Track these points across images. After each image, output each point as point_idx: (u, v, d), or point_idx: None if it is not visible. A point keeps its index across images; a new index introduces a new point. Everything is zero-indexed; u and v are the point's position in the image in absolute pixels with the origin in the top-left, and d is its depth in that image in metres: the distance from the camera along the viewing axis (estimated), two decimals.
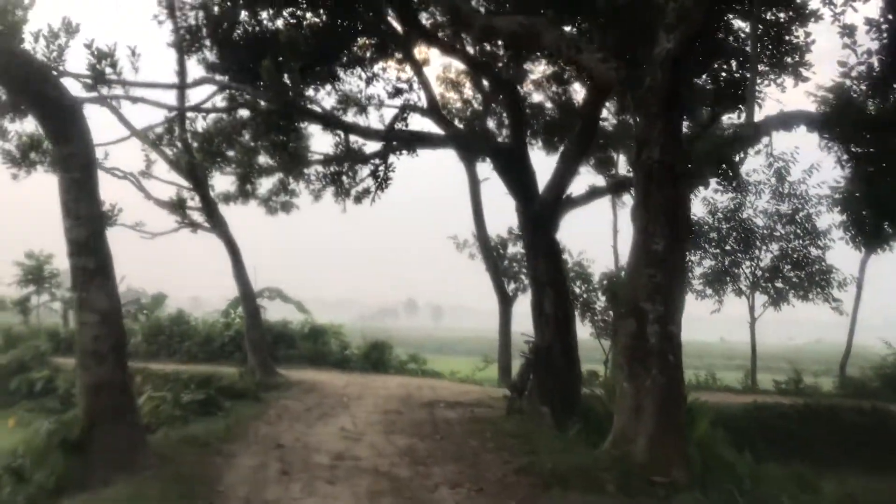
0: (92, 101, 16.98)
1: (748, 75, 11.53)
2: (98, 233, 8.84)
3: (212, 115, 20.18)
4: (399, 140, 17.08)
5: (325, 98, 19.26)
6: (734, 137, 10.47)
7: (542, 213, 14.88)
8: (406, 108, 17.15)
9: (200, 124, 19.93)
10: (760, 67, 12.25)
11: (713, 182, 19.88)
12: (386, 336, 32.73)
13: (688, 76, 10.90)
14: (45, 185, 20.95)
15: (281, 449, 10.46)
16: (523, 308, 26.85)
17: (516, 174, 15.13)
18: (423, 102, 17.80)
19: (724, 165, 14.62)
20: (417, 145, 17.46)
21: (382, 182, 21.18)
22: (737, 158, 14.68)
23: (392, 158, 19.57)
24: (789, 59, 12.76)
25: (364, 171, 20.95)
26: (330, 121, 16.06)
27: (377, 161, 19.80)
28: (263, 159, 23.46)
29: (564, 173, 14.97)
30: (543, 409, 14.31)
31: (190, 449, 9.47)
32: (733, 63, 13.05)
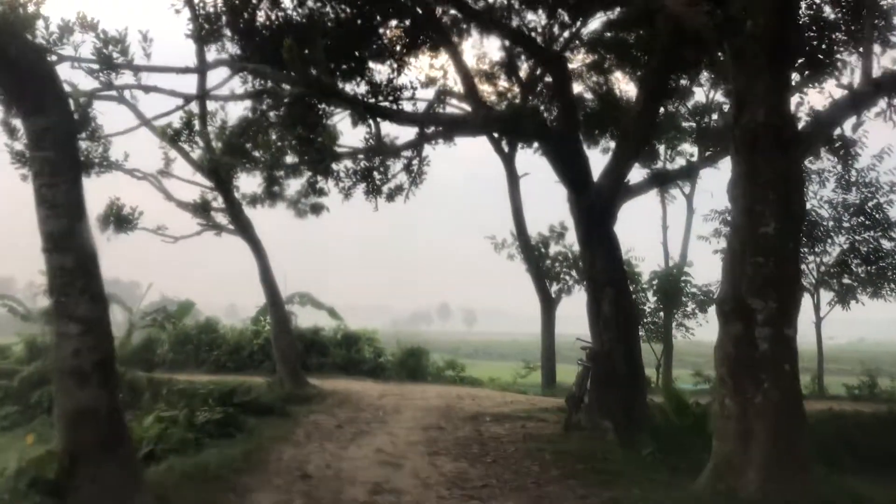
0: (100, 91, 15.48)
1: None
2: (78, 224, 7.14)
3: (235, 114, 18.69)
4: (437, 123, 15.32)
5: (353, 90, 17.68)
6: (851, 97, 8.54)
7: (598, 202, 13.00)
8: (443, 93, 15.37)
9: (221, 117, 18.20)
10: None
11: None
12: (420, 342, 31.10)
13: (796, 19, 9.03)
14: None
15: (307, 480, 8.69)
16: (566, 311, 25.00)
17: (568, 159, 13.25)
18: (460, 88, 16.01)
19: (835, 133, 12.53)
20: (456, 131, 15.69)
21: (416, 177, 19.44)
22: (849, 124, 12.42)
23: (426, 151, 17.90)
24: None
25: (396, 165, 19.24)
26: (360, 104, 14.30)
27: (410, 154, 18.07)
28: (291, 159, 22.06)
29: (623, 158, 13.06)
30: (605, 424, 12.42)
31: (198, 485, 7.73)
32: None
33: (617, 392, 12.82)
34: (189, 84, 17.27)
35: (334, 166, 19.78)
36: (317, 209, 23.08)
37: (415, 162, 18.88)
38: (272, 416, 13.52)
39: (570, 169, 13.33)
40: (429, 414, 15.33)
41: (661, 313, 24.28)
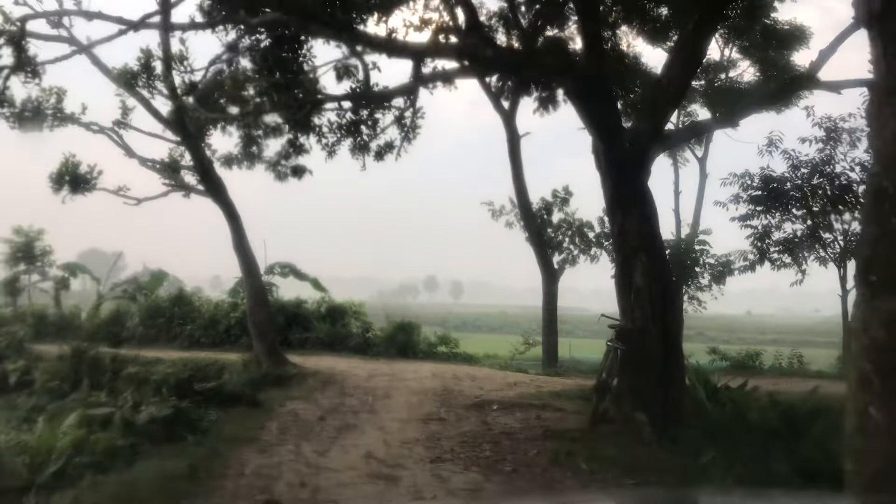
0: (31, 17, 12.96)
1: None
2: None
3: (204, 57, 16.13)
4: (440, 55, 12.84)
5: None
6: None
7: (632, 152, 10.62)
8: (444, 30, 12.91)
9: (187, 59, 15.58)
10: None
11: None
12: (407, 314, 28.81)
13: None
14: (34, 154, 17.01)
15: None
16: (568, 283, 22.72)
17: (596, 101, 10.83)
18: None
19: None
20: (460, 73, 13.24)
21: (409, 131, 17.01)
22: None
23: (420, 102, 15.50)
24: None
25: (386, 118, 16.79)
26: (347, 29, 11.79)
27: (403, 103, 15.63)
28: (270, 117, 19.61)
29: (665, 98, 10.65)
30: (639, 417, 10.15)
31: None
32: None
33: (651, 377, 10.55)
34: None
35: (317, 120, 17.35)
36: (298, 172, 20.67)
37: (408, 114, 16.45)
38: (240, 405, 11.16)
39: (598, 113, 10.91)
40: (425, 399, 13.05)
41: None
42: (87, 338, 23.94)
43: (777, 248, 20.47)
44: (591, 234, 21.54)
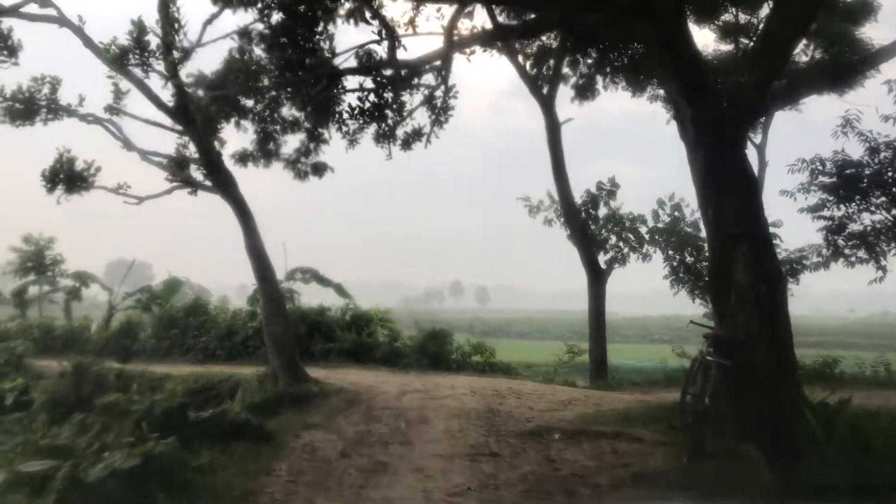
0: None
1: None
2: None
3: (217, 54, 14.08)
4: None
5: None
6: None
7: (731, 112, 8.25)
8: None
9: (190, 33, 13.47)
10: None
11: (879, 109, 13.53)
12: (434, 320, 26.52)
13: None
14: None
15: None
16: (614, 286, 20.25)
17: (678, 55, 8.48)
18: None
19: None
20: (497, 35, 10.97)
21: (440, 113, 14.77)
22: None
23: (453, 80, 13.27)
24: None
25: (415, 98, 14.58)
26: None
27: (434, 78, 13.41)
28: (288, 111, 17.55)
29: (780, 37, 8.21)
30: (749, 451, 7.77)
31: None
32: None
33: (759, 398, 8.17)
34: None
35: (337, 106, 15.15)
36: (319, 170, 18.52)
37: (439, 93, 14.20)
38: (244, 439, 8.88)
39: (682, 67, 8.54)
40: (468, 425, 10.73)
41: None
42: (95, 352, 21.96)
43: (852, 242, 17.81)
44: (643, 230, 19.08)
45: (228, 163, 16.65)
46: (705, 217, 8.88)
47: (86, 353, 21.85)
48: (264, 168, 18.59)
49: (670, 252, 19.24)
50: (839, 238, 17.36)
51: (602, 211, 19.62)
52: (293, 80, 12.98)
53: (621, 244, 19.19)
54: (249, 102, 17.54)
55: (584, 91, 21.31)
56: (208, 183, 15.47)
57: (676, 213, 18.07)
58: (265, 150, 18.33)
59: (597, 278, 19.13)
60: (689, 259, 19.15)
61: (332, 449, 8.87)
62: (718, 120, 8.25)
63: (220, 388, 16.83)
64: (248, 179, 16.16)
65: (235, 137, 18.06)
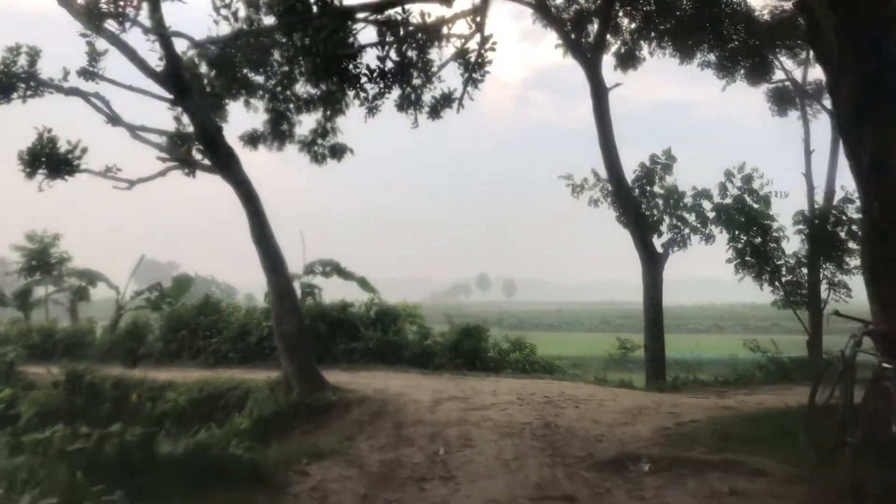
0: None
1: None
2: None
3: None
4: None
5: None
6: None
7: None
8: None
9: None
10: None
11: None
12: (463, 315, 24.17)
13: None
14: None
15: None
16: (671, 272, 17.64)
17: None
18: None
19: None
20: None
21: (475, 69, 12.41)
22: None
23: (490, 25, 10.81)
24: None
25: (445, 53, 12.26)
26: None
27: (468, 26, 11.04)
28: (302, 87, 15.47)
29: None
30: None
31: None
32: None
33: None
34: None
35: (353, 69, 12.86)
36: (337, 152, 16.42)
37: (472, 45, 11.83)
38: (232, 481, 6.54)
39: None
40: (523, 448, 8.35)
41: (805, 269, 17.01)
42: (98, 357, 19.93)
43: None
44: (707, 207, 16.55)
45: (235, 144, 14.54)
46: (856, 167, 6.39)
47: (88, 359, 19.87)
48: (277, 151, 16.63)
49: (736, 232, 16.73)
50: None
51: (657, 188, 17.05)
52: (299, 22, 10.61)
53: (680, 224, 16.64)
54: (259, 78, 15.55)
55: (628, 59, 18.84)
56: (208, 163, 13.23)
57: (746, 186, 15.52)
58: (278, 132, 16.26)
59: (652, 264, 16.59)
60: (756, 240, 16.65)
61: (350, 493, 6.53)
62: (876, 30, 5.76)
63: (229, 397, 14.61)
64: (262, 167, 13.73)
65: (241, 115, 15.87)
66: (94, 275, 23.93)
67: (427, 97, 13.04)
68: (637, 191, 16.78)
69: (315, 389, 12.46)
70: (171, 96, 12.48)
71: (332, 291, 22.04)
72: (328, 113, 15.74)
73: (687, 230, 16.56)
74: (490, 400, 12.02)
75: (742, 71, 20.23)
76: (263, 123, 16.04)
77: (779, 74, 19.91)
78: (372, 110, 13.09)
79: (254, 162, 13.81)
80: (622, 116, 17.34)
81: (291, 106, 16.02)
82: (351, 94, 13.47)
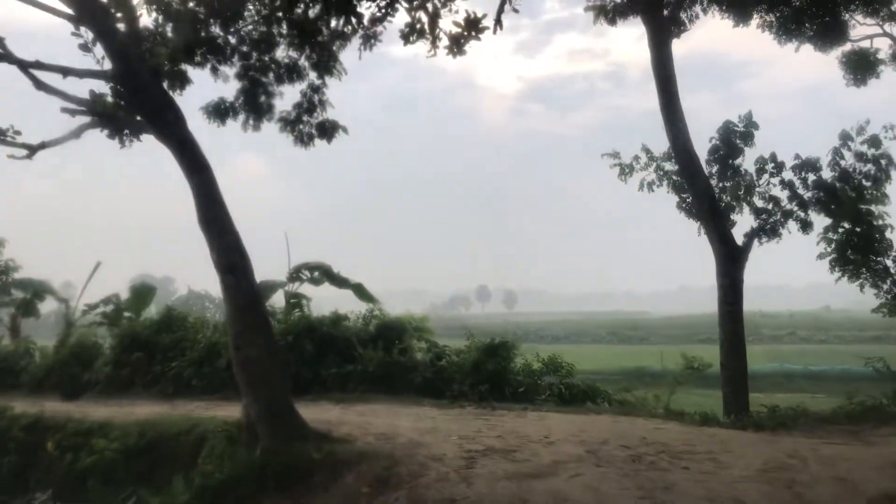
0: None
1: None
2: None
3: None
4: None
5: None
6: None
7: None
8: None
9: None
10: None
11: None
12: (463, 326, 20.20)
13: None
14: None
15: None
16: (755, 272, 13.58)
17: None
18: None
19: None
20: None
21: None
22: None
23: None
24: None
25: None
26: None
27: None
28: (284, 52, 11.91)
29: None
30: None
31: None
32: None
33: None
34: None
35: None
36: (327, 131, 12.64)
37: None
38: None
39: None
40: None
41: None
42: (33, 386, 15.85)
43: None
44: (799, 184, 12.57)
45: (195, 115, 10.74)
46: None
47: (21, 389, 15.80)
48: (253, 130, 12.84)
49: (837, 220, 12.78)
50: None
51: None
52: None
53: (773, 207, 12.61)
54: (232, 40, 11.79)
55: (676, 14, 14.94)
56: (137, 118, 9.21)
57: (874, 153, 11.57)
58: (253, 104, 12.48)
59: (731, 260, 12.58)
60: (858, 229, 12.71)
61: None
62: None
63: (178, 445, 10.54)
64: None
65: (206, 84, 12.04)
66: (41, 286, 19.82)
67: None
68: (715, 166, 12.77)
69: (290, 440, 8.42)
70: (70, 11, 8.45)
71: (322, 303, 17.94)
72: (318, 80, 12.19)
73: (778, 215, 12.53)
74: (547, 456, 7.95)
75: (810, 34, 16.37)
76: (236, 94, 12.31)
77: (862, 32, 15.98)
78: (369, 40, 9.15)
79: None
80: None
81: (271, 75, 12.36)
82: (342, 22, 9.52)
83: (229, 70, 11.97)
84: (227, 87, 12.17)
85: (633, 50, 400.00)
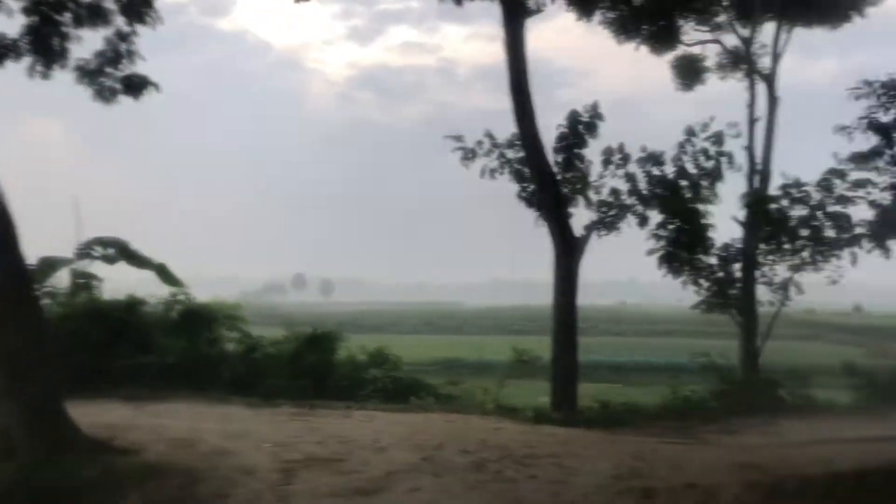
0: None
1: None
2: None
3: None
4: None
5: None
6: None
7: None
8: None
9: None
10: None
11: None
12: (275, 315, 18.79)
13: None
14: None
15: None
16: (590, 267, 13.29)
17: None
18: None
19: None
20: None
21: None
22: None
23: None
24: None
25: None
26: None
27: None
28: None
29: None
30: None
31: None
32: None
33: None
34: None
35: None
36: (135, 87, 10.95)
37: None
38: None
39: None
40: None
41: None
42: None
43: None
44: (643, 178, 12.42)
45: None
46: None
47: None
48: (41, 77, 10.97)
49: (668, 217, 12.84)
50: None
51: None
52: None
53: (613, 200, 12.36)
54: None
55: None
56: None
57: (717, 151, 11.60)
58: (43, 46, 10.59)
59: (568, 252, 12.18)
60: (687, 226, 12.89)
61: None
62: None
63: None
64: None
65: None
66: None
67: None
68: (562, 155, 12.30)
69: (57, 451, 6.67)
70: None
71: (123, 288, 15.50)
72: (127, 27, 10.60)
73: (614, 211, 12.30)
74: (379, 465, 6.83)
75: (646, 35, 16.75)
76: (22, 30, 10.36)
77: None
78: None
79: None
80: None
81: (69, 15, 10.55)
82: None
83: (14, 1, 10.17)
84: (13, 22, 10.31)
85: (463, 48, 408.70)
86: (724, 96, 17.11)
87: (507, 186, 13.08)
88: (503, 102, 11.79)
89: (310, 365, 12.41)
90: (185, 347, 12.39)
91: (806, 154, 15.92)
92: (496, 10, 12.05)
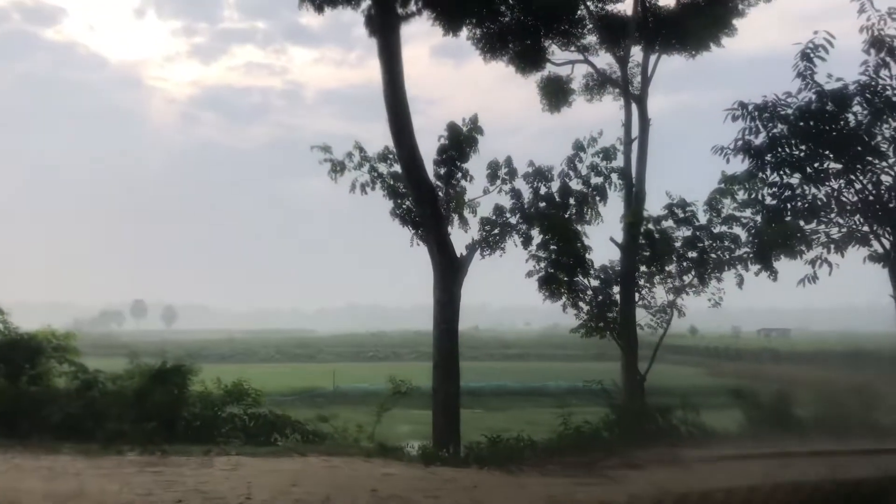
0: None
1: None
2: None
3: None
4: None
5: None
6: None
7: None
8: None
9: None
10: None
11: None
12: (113, 345, 16.69)
13: None
14: None
15: None
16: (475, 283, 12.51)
17: None
18: None
19: None
20: None
21: None
22: None
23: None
24: None
25: None
26: None
27: None
28: None
29: None
30: None
31: None
32: None
33: None
34: None
35: None
36: None
37: None
38: None
39: None
40: None
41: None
42: None
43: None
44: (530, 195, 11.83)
45: None
46: None
47: None
48: None
49: (548, 237, 12.36)
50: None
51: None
52: None
53: (496, 217, 11.68)
54: None
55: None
56: None
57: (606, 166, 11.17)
58: None
59: (450, 273, 11.37)
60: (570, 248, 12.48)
61: None
62: None
63: None
64: None
65: None
66: None
67: None
68: (443, 168, 11.48)
69: None
70: None
71: None
72: None
73: (495, 230, 11.62)
74: None
75: (512, 54, 16.42)
76: None
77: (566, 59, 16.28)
78: None
79: None
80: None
81: None
82: None
83: None
84: None
85: (309, 71, 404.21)
86: (584, 122, 17.11)
87: (362, 206, 12.17)
88: (351, 127, 10.95)
89: (158, 403, 10.71)
90: (5, 386, 10.32)
91: (678, 177, 16.01)
92: (345, 34, 11.45)
